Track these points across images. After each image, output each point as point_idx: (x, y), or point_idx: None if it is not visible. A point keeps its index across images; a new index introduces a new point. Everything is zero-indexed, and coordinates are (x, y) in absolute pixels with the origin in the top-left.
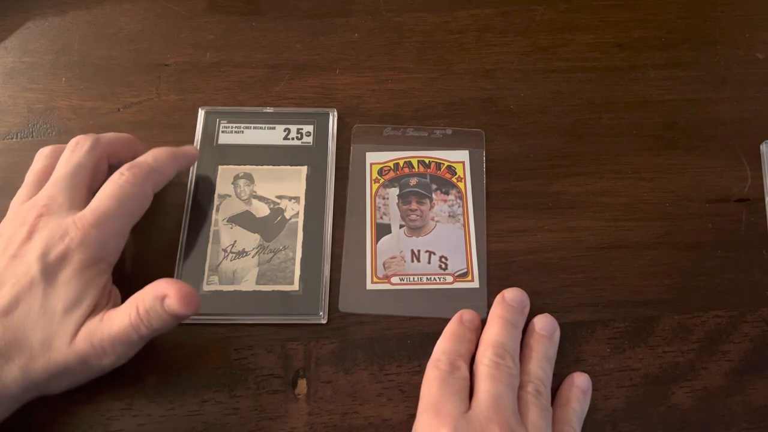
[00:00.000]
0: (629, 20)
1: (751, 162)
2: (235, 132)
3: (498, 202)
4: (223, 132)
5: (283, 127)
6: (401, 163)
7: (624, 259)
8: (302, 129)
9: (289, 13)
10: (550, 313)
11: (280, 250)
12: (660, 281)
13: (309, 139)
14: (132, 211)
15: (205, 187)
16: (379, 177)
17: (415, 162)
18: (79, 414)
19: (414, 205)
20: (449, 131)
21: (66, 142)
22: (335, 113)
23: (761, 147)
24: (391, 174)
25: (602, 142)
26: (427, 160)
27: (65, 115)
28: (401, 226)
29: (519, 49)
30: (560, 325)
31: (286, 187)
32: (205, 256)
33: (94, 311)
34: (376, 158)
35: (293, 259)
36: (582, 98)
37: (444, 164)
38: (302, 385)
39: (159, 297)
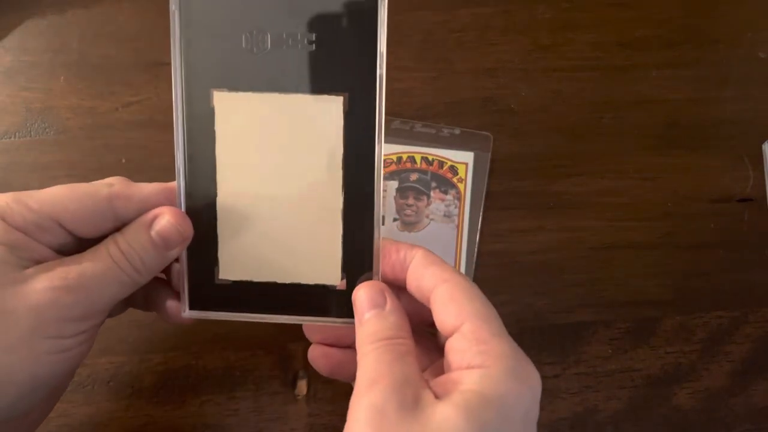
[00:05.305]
0: (631, 19)
1: (753, 161)
2: None
3: (499, 202)
4: None
5: None
6: (404, 157)
7: (626, 259)
8: None
9: None
10: (552, 313)
11: None
12: (662, 281)
13: None
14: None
15: None
16: None
17: (418, 158)
18: (78, 415)
19: (411, 201)
20: (457, 131)
21: (64, 141)
22: None
23: (763, 147)
24: (393, 167)
25: (604, 141)
26: (430, 158)
27: (63, 114)
28: (395, 220)
29: (520, 48)
30: (562, 325)
31: None
32: None
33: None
34: None
35: None
36: (583, 97)
37: (447, 163)
38: (302, 386)
39: (145, 224)
